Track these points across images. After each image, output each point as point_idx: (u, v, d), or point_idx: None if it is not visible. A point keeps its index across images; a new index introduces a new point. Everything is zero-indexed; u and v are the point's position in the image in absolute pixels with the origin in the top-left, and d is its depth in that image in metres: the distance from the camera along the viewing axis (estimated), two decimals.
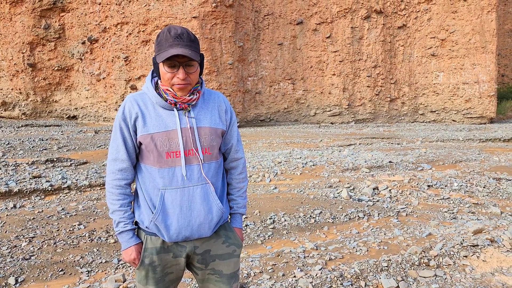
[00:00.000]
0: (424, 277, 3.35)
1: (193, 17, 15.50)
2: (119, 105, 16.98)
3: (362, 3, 17.63)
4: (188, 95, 1.75)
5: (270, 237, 4.69)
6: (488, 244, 3.97)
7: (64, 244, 4.35)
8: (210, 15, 15.73)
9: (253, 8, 17.34)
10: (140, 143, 1.77)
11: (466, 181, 6.87)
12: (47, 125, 16.29)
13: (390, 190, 6.40)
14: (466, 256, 3.76)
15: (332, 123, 17.81)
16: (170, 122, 1.75)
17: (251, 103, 17.62)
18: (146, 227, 1.78)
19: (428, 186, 6.60)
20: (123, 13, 16.17)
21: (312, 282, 3.24)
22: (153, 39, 15.96)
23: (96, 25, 16.85)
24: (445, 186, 6.60)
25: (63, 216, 5.17)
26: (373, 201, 5.98)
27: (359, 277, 3.34)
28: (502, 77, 24.99)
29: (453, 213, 5.51)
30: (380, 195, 6.28)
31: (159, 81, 1.79)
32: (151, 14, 15.80)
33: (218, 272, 1.86)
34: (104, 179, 6.93)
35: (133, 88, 16.33)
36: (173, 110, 1.76)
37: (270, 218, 5.17)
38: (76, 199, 6.18)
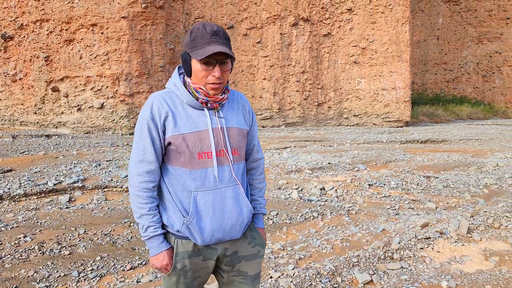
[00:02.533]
0: (393, 270, 3.58)
1: (122, 17, 14.92)
2: (39, 108, 15.77)
3: (290, 11, 18.23)
4: (220, 94, 1.73)
5: None
6: (438, 236, 4.35)
7: (12, 259, 3.97)
8: (140, 15, 15.26)
9: (184, 10, 17.14)
10: (169, 144, 1.70)
11: (401, 179, 7.41)
12: None
13: (336, 190, 6.71)
14: (422, 248, 4.08)
15: (263, 127, 18.15)
16: (201, 122, 1.71)
17: None
18: (177, 231, 1.72)
19: (369, 185, 7.02)
20: (43, 9, 15.06)
21: (292, 281, 3.31)
22: (78, 39, 15.08)
23: (11, 21, 15.50)
24: (384, 184, 7.06)
25: (2, 228, 4.71)
26: (322, 201, 6.22)
27: (335, 273, 3.48)
28: (412, 84, 27.25)
29: (395, 209, 5.91)
30: (327, 195, 6.55)
31: (187, 79, 1.74)
32: (75, 12, 14.92)
33: (243, 274, 1.85)
34: (40, 188, 6.41)
35: (55, 90, 15.27)
36: (203, 110, 1.73)
37: None
38: (12, 210, 5.65)
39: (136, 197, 1.71)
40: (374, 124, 19.07)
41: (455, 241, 4.23)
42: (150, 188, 1.72)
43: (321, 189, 6.69)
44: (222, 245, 1.78)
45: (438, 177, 7.70)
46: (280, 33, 18.24)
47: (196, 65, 1.67)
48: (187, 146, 1.68)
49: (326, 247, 4.20)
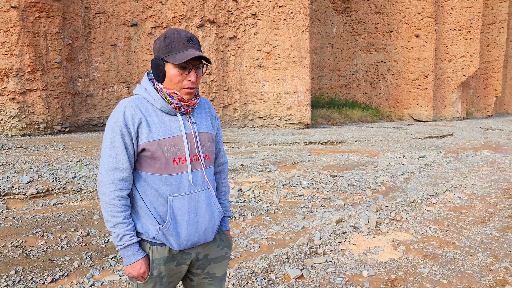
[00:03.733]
0: (319, 263, 3.85)
1: (12, 7, 13.56)
2: None
3: (196, 12, 18.20)
4: (193, 99, 1.78)
5: None
6: (352, 231, 4.76)
7: None
8: (33, 6, 14.02)
9: (83, 4, 16.12)
10: (143, 150, 1.71)
11: (311, 179, 7.90)
12: None
13: (253, 190, 6.92)
14: (341, 242, 4.44)
15: None
16: (174, 127, 1.75)
17: (82, 107, 16.31)
18: (153, 238, 1.73)
19: (283, 185, 7.36)
20: None
21: (229, 281, 3.39)
22: None
23: None
24: (297, 184, 7.46)
25: None
26: (241, 202, 6.39)
27: (268, 271, 3.64)
28: (311, 89, 28.94)
29: (309, 207, 6.30)
30: (245, 196, 6.73)
31: (159, 85, 1.76)
32: None
33: (211, 276, 1.91)
34: None
35: None
36: (176, 115, 1.77)
37: None
38: None
39: (109, 205, 1.68)
40: (277, 126, 19.88)
41: (367, 234, 4.68)
42: (125, 196, 1.71)
43: (238, 190, 6.85)
44: (195, 250, 1.83)
45: (342, 176, 8.36)
46: None
47: (171, 70, 1.70)
48: (162, 152, 1.70)
49: (253, 246, 4.36)
